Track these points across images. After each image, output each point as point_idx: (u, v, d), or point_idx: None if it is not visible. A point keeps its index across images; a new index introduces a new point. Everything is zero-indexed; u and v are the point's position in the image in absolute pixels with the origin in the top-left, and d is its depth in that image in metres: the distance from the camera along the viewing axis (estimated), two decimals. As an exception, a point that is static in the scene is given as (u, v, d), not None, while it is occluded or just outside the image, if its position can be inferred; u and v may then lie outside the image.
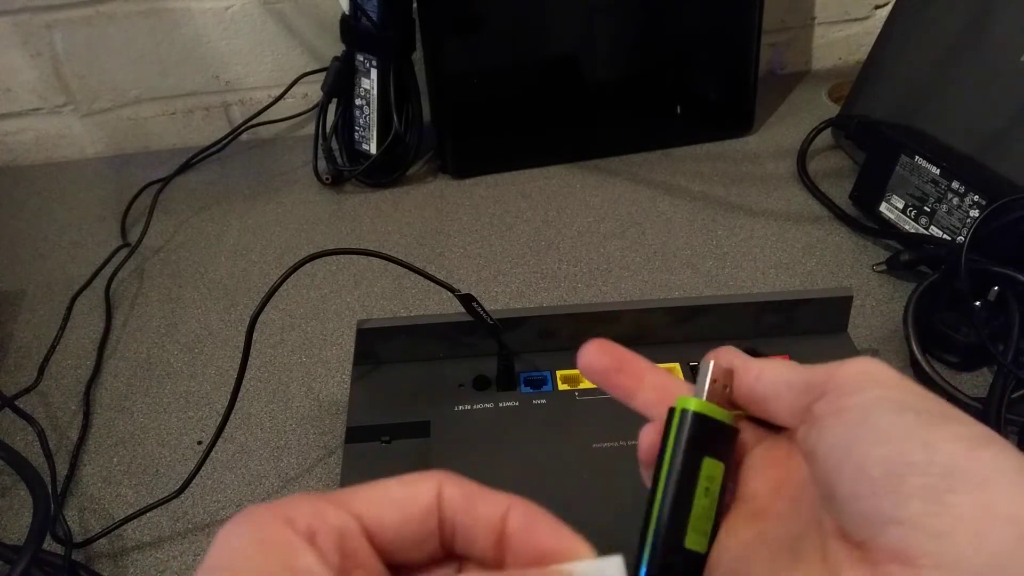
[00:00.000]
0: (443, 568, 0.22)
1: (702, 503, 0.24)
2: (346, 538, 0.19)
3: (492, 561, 0.21)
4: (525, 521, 0.21)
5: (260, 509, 0.19)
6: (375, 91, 0.67)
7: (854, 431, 0.20)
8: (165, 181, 0.72)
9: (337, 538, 0.19)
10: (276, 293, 0.42)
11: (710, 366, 0.25)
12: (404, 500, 0.20)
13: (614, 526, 0.38)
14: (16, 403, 0.50)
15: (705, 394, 0.25)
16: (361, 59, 0.66)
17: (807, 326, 0.47)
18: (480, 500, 0.21)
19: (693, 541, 0.24)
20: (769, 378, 0.24)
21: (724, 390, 0.25)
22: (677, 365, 0.46)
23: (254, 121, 0.76)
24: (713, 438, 0.24)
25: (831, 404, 0.21)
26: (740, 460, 0.26)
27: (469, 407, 0.44)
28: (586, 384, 0.45)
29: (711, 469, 0.24)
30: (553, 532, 0.21)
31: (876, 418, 0.20)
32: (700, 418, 0.24)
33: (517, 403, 0.44)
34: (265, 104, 0.75)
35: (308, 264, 0.43)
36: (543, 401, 0.44)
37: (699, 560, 0.24)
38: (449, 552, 0.21)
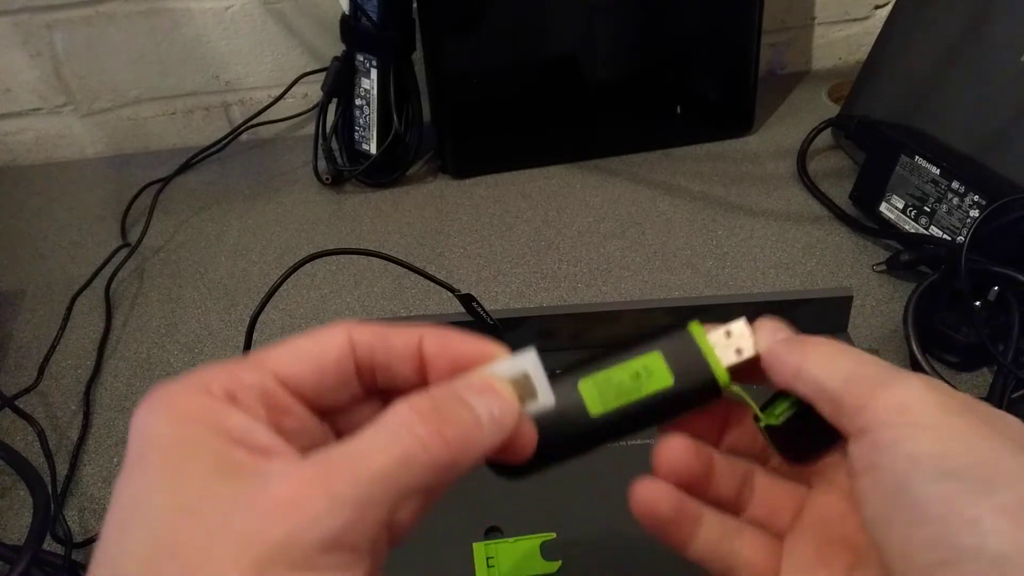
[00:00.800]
0: (369, 405, 0.23)
1: (622, 377, 0.24)
2: (267, 393, 0.20)
3: (416, 387, 0.22)
4: (440, 342, 0.22)
5: (170, 385, 0.19)
6: (375, 91, 0.67)
7: (894, 501, 0.19)
8: (165, 181, 0.72)
9: (258, 394, 0.19)
10: (276, 293, 0.42)
11: (740, 322, 0.25)
12: (316, 352, 0.21)
13: (614, 526, 0.39)
14: (16, 403, 0.50)
15: (713, 334, 0.24)
16: (361, 59, 0.66)
17: (807, 326, 0.46)
18: (393, 336, 0.22)
19: (589, 394, 0.24)
20: (807, 378, 0.23)
21: (736, 354, 0.24)
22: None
23: (254, 121, 0.76)
24: (682, 360, 0.24)
25: (866, 455, 0.20)
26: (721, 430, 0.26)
27: (469, 407, 0.44)
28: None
29: (654, 363, 0.24)
30: (467, 342, 0.22)
31: (916, 490, 0.19)
32: (684, 337, 0.24)
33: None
34: (265, 104, 0.75)
35: (308, 264, 0.43)
36: (543, 401, 0.44)
37: (582, 412, 0.24)
38: (371, 390, 0.22)
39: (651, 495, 0.24)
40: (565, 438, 0.24)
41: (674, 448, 0.25)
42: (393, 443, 0.18)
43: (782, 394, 0.25)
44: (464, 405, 0.20)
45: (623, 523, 0.39)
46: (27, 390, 0.52)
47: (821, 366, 0.22)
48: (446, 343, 0.22)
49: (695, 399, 0.25)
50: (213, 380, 0.19)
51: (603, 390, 0.24)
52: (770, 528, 0.25)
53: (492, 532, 0.38)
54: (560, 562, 0.37)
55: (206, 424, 0.18)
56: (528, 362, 0.22)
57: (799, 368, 0.23)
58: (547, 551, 0.37)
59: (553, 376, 0.23)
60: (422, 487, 0.18)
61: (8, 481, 0.47)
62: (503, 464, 0.23)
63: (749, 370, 0.25)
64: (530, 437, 0.22)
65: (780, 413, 0.24)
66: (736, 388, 0.25)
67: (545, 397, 0.22)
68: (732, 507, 0.26)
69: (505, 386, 0.21)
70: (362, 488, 0.17)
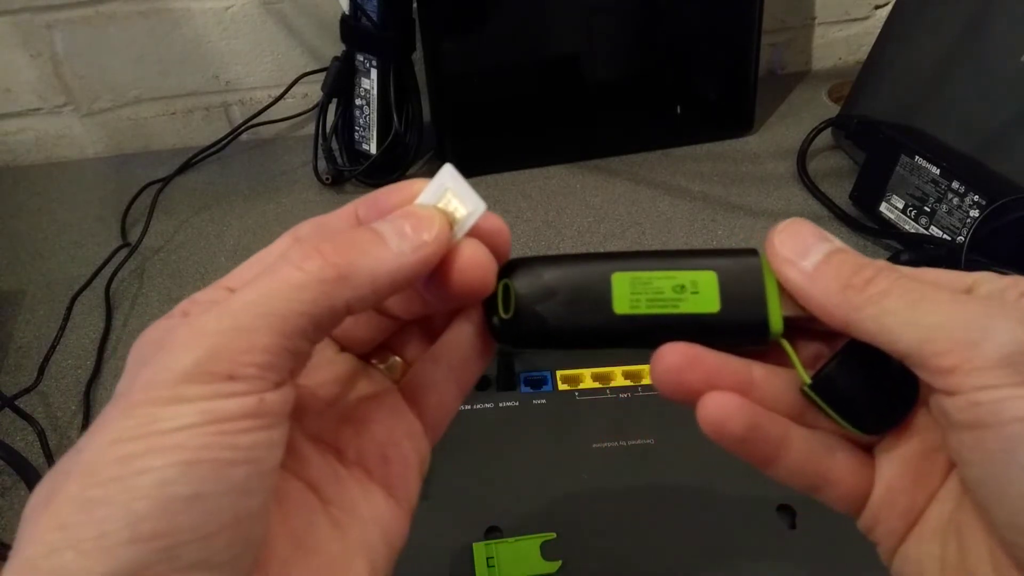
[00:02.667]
0: None
1: (663, 286, 0.21)
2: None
3: None
4: (369, 203, 0.22)
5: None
6: (375, 91, 0.67)
7: (1005, 468, 0.17)
8: (165, 181, 0.72)
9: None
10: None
11: (828, 248, 0.21)
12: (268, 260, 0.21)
13: (615, 526, 0.39)
14: (16, 403, 0.50)
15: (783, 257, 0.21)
16: (361, 59, 0.66)
17: (807, 326, 0.47)
18: (331, 219, 0.22)
19: (620, 289, 0.22)
20: (863, 334, 0.19)
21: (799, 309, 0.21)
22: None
23: (254, 121, 0.76)
24: (739, 289, 0.21)
25: (964, 411, 0.18)
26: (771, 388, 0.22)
27: (469, 407, 0.44)
28: (587, 384, 0.45)
29: (704, 283, 0.21)
30: (393, 192, 0.22)
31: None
32: (750, 265, 0.22)
33: (517, 403, 0.44)
34: (265, 104, 0.75)
35: (308, 264, 0.43)
36: (543, 401, 0.44)
37: (604, 306, 0.22)
38: None
39: (720, 411, 0.20)
40: (576, 325, 0.22)
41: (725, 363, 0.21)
42: (267, 273, 0.18)
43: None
44: (363, 231, 0.19)
45: (623, 523, 0.39)
46: (27, 390, 0.51)
47: (883, 322, 0.19)
48: (374, 201, 0.22)
49: (736, 338, 0.22)
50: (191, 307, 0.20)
51: (637, 291, 0.21)
52: (854, 440, 0.22)
53: (492, 532, 0.38)
54: (560, 562, 0.37)
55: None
56: (445, 178, 0.21)
57: (847, 323, 0.20)
58: (547, 551, 0.37)
59: (591, 257, 0.22)
60: (308, 309, 0.18)
61: (8, 481, 0.47)
62: (499, 329, 0.22)
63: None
64: (473, 259, 0.20)
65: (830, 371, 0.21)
66: (786, 344, 0.21)
67: (472, 204, 0.21)
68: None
69: (424, 208, 0.20)
70: (233, 319, 0.17)
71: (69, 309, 0.58)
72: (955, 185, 0.54)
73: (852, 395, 0.21)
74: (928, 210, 0.56)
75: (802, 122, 0.74)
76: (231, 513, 0.16)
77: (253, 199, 0.70)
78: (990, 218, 0.49)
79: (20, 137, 0.77)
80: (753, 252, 0.22)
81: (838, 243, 0.21)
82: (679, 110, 0.73)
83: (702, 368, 0.21)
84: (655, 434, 0.43)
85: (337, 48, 0.67)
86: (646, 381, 0.45)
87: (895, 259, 0.56)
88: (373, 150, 0.69)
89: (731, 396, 0.20)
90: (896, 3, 0.66)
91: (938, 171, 0.55)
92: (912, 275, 0.20)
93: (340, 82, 0.67)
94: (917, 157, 0.56)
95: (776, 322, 0.21)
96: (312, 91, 0.76)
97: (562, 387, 0.45)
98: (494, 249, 0.21)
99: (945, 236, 0.55)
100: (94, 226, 0.68)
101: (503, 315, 0.22)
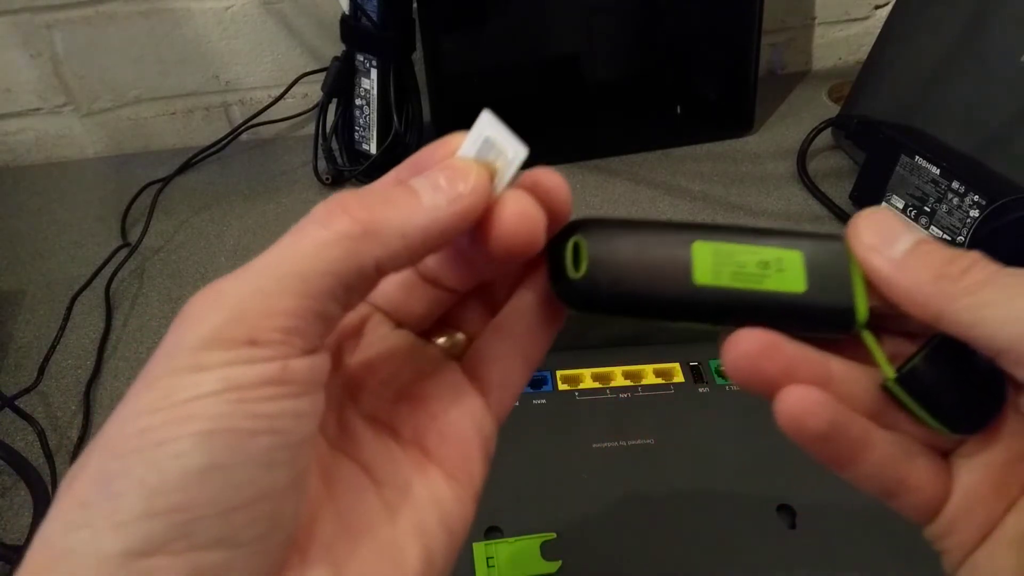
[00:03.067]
0: None
1: (747, 260, 0.20)
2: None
3: None
4: (410, 164, 0.20)
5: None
6: (375, 91, 0.67)
7: None
8: (165, 181, 0.72)
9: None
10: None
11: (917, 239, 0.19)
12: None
13: (615, 526, 0.39)
14: (16, 403, 0.50)
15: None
16: (361, 59, 0.66)
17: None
18: (372, 187, 0.20)
19: (701, 259, 0.20)
20: (953, 328, 0.18)
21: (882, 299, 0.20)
22: (677, 365, 0.46)
23: (254, 121, 0.76)
24: (825, 273, 0.20)
25: None
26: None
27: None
28: (587, 384, 0.45)
29: (790, 261, 0.20)
30: (432, 148, 0.20)
31: None
32: (837, 250, 0.20)
33: (517, 403, 0.44)
34: (265, 104, 0.75)
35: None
36: (543, 401, 0.44)
37: (684, 275, 0.20)
38: None
39: (801, 406, 0.19)
40: (652, 291, 0.20)
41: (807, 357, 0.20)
42: (291, 233, 0.17)
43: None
44: (395, 187, 0.18)
45: (623, 523, 0.39)
46: (27, 390, 0.51)
47: (980, 314, 0.18)
48: (414, 162, 0.20)
49: (818, 324, 0.20)
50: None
51: (719, 263, 0.20)
52: (934, 445, 0.21)
53: (492, 532, 0.38)
54: (560, 562, 0.37)
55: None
56: (484, 126, 0.19)
57: (939, 314, 0.18)
58: (547, 551, 0.37)
59: (668, 223, 0.21)
60: (334, 268, 0.17)
61: (8, 481, 0.47)
62: (568, 290, 0.20)
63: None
64: (517, 210, 0.18)
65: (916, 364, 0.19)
66: (868, 335, 0.20)
67: (513, 150, 0.19)
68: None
69: (461, 160, 0.19)
70: (254, 281, 0.16)
71: (69, 309, 0.58)
72: (955, 185, 0.54)
73: (940, 391, 0.19)
74: (928, 210, 0.56)
75: (802, 122, 0.74)
76: (253, 487, 0.15)
77: (253, 199, 0.70)
78: (990, 218, 0.49)
79: (20, 137, 0.77)
80: (837, 237, 0.21)
81: (925, 233, 0.20)
82: (679, 110, 0.73)
83: (781, 357, 0.19)
84: (655, 434, 0.43)
85: (337, 48, 0.67)
86: (646, 381, 0.45)
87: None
88: (373, 150, 0.69)
89: (813, 390, 0.19)
90: (896, 3, 0.66)
91: (938, 171, 0.55)
92: (1008, 271, 0.19)
93: (340, 82, 0.67)
94: (917, 157, 0.56)
95: (862, 310, 0.20)
96: (312, 91, 0.76)
97: (562, 387, 0.45)
98: (551, 206, 0.20)
99: (945, 236, 0.55)
100: (94, 226, 0.68)
101: (573, 274, 0.20)
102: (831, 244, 0.20)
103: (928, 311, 0.19)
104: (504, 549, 0.37)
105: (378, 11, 0.64)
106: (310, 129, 0.74)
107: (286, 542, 0.16)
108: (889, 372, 0.20)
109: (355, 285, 0.17)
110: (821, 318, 0.20)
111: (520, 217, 0.18)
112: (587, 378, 0.45)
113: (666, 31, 0.70)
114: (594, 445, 0.42)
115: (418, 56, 0.67)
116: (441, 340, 0.23)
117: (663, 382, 0.45)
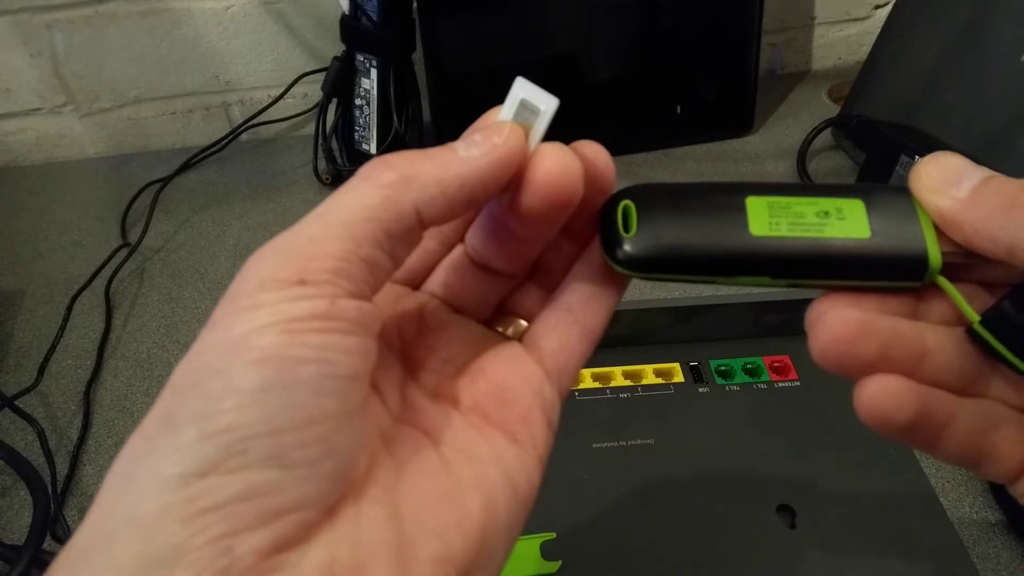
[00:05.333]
0: None
1: (805, 210, 0.19)
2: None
3: None
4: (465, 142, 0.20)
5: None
6: (375, 91, 0.67)
7: None
8: (165, 181, 0.72)
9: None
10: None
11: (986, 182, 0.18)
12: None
13: (615, 526, 0.39)
14: (16, 403, 0.50)
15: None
16: (361, 59, 0.66)
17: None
18: None
19: (757, 212, 0.19)
20: None
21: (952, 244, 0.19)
22: (677, 365, 0.46)
23: (254, 121, 0.76)
24: (890, 220, 0.19)
25: None
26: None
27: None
28: (587, 384, 0.45)
29: (851, 210, 0.19)
30: (473, 125, 0.20)
31: None
32: (900, 198, 0.19)
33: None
34: (265, 104, 0.75)
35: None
36: (543, 401, 0.44)
37: (740, 227, 0.19)
38: None
39: (886, 399, 0.18)
40: (707, 246, 0.19)
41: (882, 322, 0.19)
42: (341, 189, 0.18)
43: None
44: (435, 148, 0.19)
45: (623, 523, 0.39)
46: (27, 390, 0.52)
47: None
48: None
49: (888, 269, 0.19)
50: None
51: (776, 215, 0.19)
52: (1015, 404, 0.20)
53: (492, 532, 0.38)
54: (560, 562, 0.37)
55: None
56: (518, 91, 0.20)
57: (1014, 246, 0.18)
58: (547, 551, 0.37)
59: (720, 185, 0.20)
60: (376, 213, 0.18)
61: (8, 481, 0.47)
62: (620, 251, 0.20)
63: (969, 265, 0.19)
64: (552, 159, 0.19)
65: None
66: (944, 281, 0.19)
67: (544, 103, 0.19)
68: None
69: (496, 122, 0.20)
70: (306, 229, 0.18)
71: (69, 309, 0.58)
72: (955, 185, 0.54)
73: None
74: (928, 210, 0.56)
75: (802, 122, 0.74)
76: (303, 411, 0.16)
77: (253, 199, 0.70)
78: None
79: (20, 137, 0.77)
80: (898, 188, 0.20)
81: (990, 171, 0.19)
82: (679, 110, 0.73)
83: (877, 337, 0.18)
84: (655, 434, 0.43)
85: (337, 48, 0.67)
86: (646, 381, 0.45)
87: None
88: (373, 150, 0.69)
89: (899, 381, 0.18)
90: (896, 3, 0.66)
91: (938, 171, 0.55)
92: None
93: (340, 82, 0.67)
94: (917, 157, 0.56)
95: (935, 255, 0.19)
96: (312, 91, 0.76)
97: (562, 387, 0.45)
98: (593, 174, 0.20)
99: (945, 236, 0.55)
100: (94, 226, 0.68)
101: (624, 236, 0.20)
102: (893, 192, 0.19)
103: (1001, 245, 0.18)
104: (504, 549, 0.37)
105: (378, 11, 0.64)
106: (310, 129, 0.74)
107: (338, 473, 0.16)
108: (973, 316, 0.19)
109: (396, 232, 0.18)
110: (890, 265, 0.19)
111: (556, 165, 0.19)
112: (587, 378, 0.45)
113: (666, 31, 0.70)
114: (594, 445, 0.42)
115: (418, 56, 0.67)
116: (501, 328, 0.23)
117: (663, 382, 0.45)
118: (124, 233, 0.67)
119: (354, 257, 0.17)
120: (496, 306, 0.24)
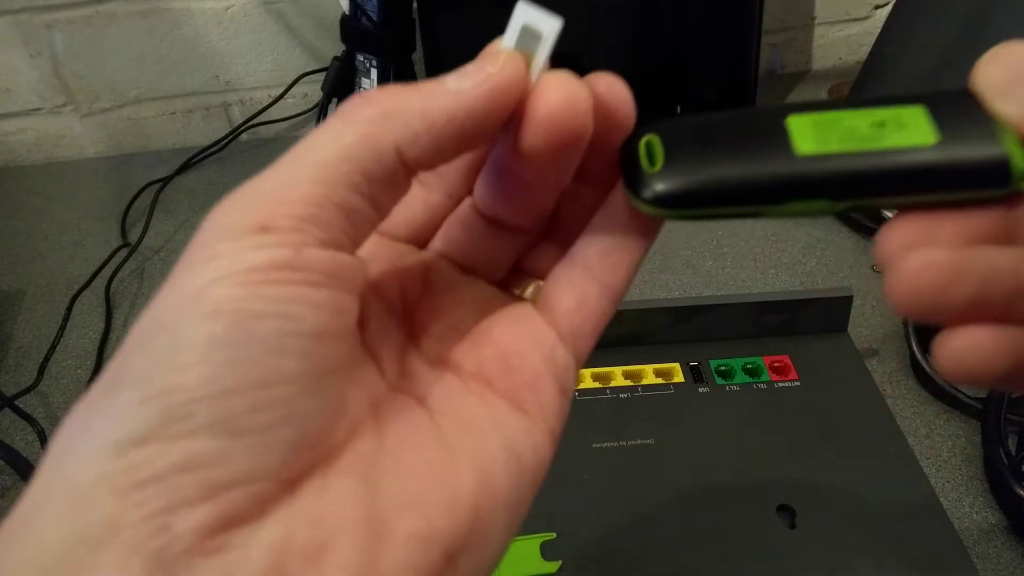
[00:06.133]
0: None
1: (857, 123, 0.17)
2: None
3: None
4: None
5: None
6: (375, 91, 0.67)
7: None
8: (165, 181, 0.72)
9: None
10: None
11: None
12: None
13: (615, 526, 0.39)
14: (16, 403, 0.50)
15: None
16: (361, 59, 0.66)
17: (807, 326, 0.47)
18: None
19: (800, 131, 0.17)
20: None
21: None
22: (677, 365, 0.46)
23: (254, 121, 0.76)
24: (959, 124, 0.17)
25: None
26: None
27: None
28: (587, 384, 0.45)
29: (911, 117, 0.17)
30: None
31: None
32: (966, 100, 0.17)
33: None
34: (265, 104, 0.75)
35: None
36: (543, 401, 0.44)
37: (782, 148, 0.17)
38: None
39: (970, 360, 0.16)
40: (746, 172, 0.17)
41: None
42: (315, 130, 0.16)
43: None
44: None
45: (623, 523, 0.39)
46: (27, 390, 0.51)
47: None
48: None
49: (963, 175, 0.17)
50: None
51: (823, 130, 0.17)
52: None
53: (492, 532, 0.38)
54: (560, 562, 0.37)
55: None
56: (519, 16, 0.17)
57: None
58: (547, 551, 0.37)
59: (754, 108, 0.18)
60: (352, 152, 0.16)
61: (8, 481, 0.47)
62: (645, 188, 0.18)
63: None
64: (555, 85, 0.17)
65: None
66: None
67: (547, 26, 0.17)
68: None
69: (491, 51, 0.17)
70: (274, 172, 0.16)
71: (69, 309, 0.58)
72: (955, 185, 0.54)
73: None
74: (928, 210, 0.56)
75: (802, 122, 0.74)
76: (255, 371, 0.14)
77: (253, 199, 0.70)
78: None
79: (20, 137, 0.77)
80: (960, 91, 0.17)
81: None
82: (679, 110, 0.73)
83: (971, 279, 0.16)
84: (655, 434, 0.43)
85: (337, 48, 0.67)
86: (646, 381, 0.45)
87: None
88: (373, 150, 0.69)
89: (988, 335, 0.16)
90: (896, 3, 0.66)
91: (938, 171, 0.55)
92: None
93: (340, 82, 0.67)
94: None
95: (1018, 157, 0.16)
96: (312, 91, 0.76)
97: (562, 387, 0.45)
98: (607, 109, 0.18)
99: (945, 236, 0.55)
100: (94, 226, 0.68)
101: (649, 169, 0.18)
102: (957, 95, 0.17)
103: None
104: (504, 549, 0.37)
105: (378, 11, 0.64)
106: (310, 129, 0.73)
107: (300, 443, 0.15)
108: None
109: (375, 174, 0.16)
110: (966, 171, 0.16)
111: (559, 96, 0.17)
112: (587, 378, 0.45)
113: (666, 31, 0.70)
114: (594, 445, 0.42)
115: (418, 56, 0.67)
116: (519, 290, 0.21)
117: (663, 382, 0.45)
118: (124, 233, 0.67)
119: (326, 202, 0.15)
120: (511, 266, 0.21)
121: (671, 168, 0.18)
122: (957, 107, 0.17)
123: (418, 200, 0.21)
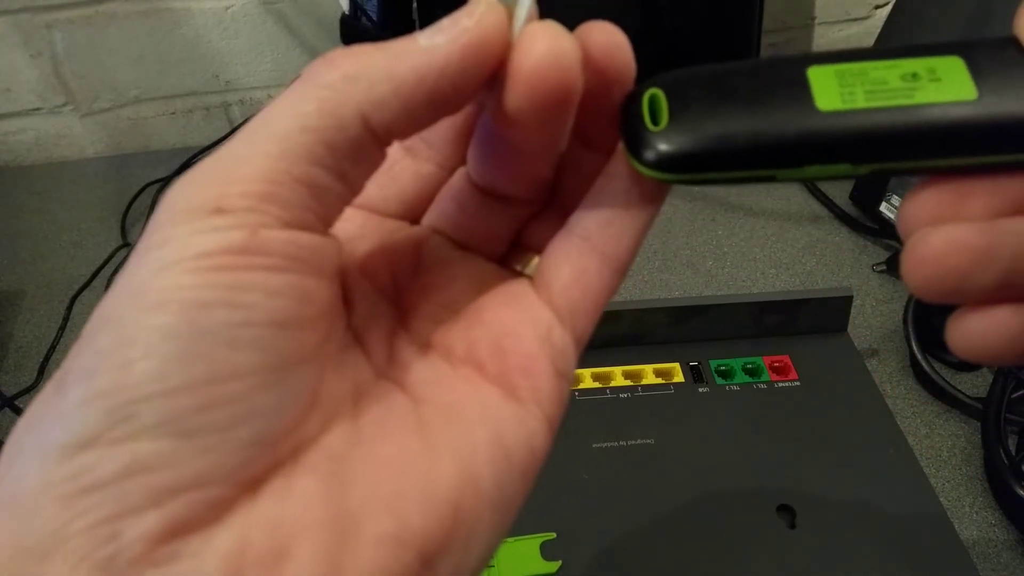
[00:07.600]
0: None
1: (886, 75, 0.15)
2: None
3: None
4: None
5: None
6: (375, 91, 0.67)
7: None
8: (165, 181, 0.72)
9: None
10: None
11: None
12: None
13: (615, 526, 0.39)
14: (16, 403, 0.50)
15: None
16: (361, 59, 0.66)
17: (807, 326, 0.47)
18: None
19: (822, 84, 0.15)
20: None
21: None
22: (677, 365, 0.46)
23: (254, 121, 0.76)
24: (1001, 75, 0.15)
25: None
26: None
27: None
28: (587, 384, 0.45)
29: (947, 69, 0.15)
30: None
31: None
32: (1007, 48, 0.15)
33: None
34: (265, 104, 0.75)
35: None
36: (543, 401, 0.44)
37: (803, 103, 0.15)
38: None
39: (987, 345, 0.16)
40: (761, 130, 0.15)
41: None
42: (277, 98, 0.15)
43: None
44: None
45: (623, 523, 0.39)
46: (27, 390, 0.51)
47: None
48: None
49: (1007, 136, 0.15)
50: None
51: (847, 83, 0.15)
52: None
53: (492, 532, 0.38)
54: (560, 562, 0.37)
55: None
56: None
57: None
58: (547, 551, 0.37)
59: (769, 59, 0.17)
60: (312, 122, 0.14)
61: (8, 481, 0.47)
62: (649, 149, 0.16)
63: None
64: (540, 37, 0.15)
65: None
66: None
67: None
68: None
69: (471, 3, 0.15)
70: (229, 148, 0.15)
71: (69, 309, 0.58)
72: (955, 185, 0.54)
73: None
74: (928, 210, 0.56)
75: (802, 122, 0.74)
76: (204, 365, 0.13)
77: (253, 199, 0.70)
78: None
79: (20, 137, 0.77)
80: (1007, 39, 0.16)
81: None
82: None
83: (998, 264, 0.15)
84: (655, 434, 0.43)
85: (337, 48, 0.67)
86: (646, 381, 0.45)
87: (895, 259, 0.56)
88: (373, 150, 0.69)
89: (1008, 318, 0.15)
90: (896, 3, 0.66)
91: (938, 171, 0.55)
92: None
93: (340, 82, 0.67)
94: (917, 157, 0.56)
95: None
96: (312, 91, 0.76)
97: (562, 387, 0.45)
98: (605, 61, 0.16)
99: (945, 236, 0.55)
100: (94, 226, 0.68)
101: (652, 127, 0.16)
102: (997, 43, 0.15)
103: None
104: (504, 549, 0.37)
105: (378, 11, 0.64)
106: (310, 129, 0.74)
107: (260, 441, 0.14)
108: None
109: (339, 145, 0.14)
110: (1010, 132, 0.15)
111: (543, 48, 0.15)
112: (587, 378, 0.45)
113: (666, 31, 0.70)
114: (594, 445, 0.42)
115: (418, 56, 0.67)
116: (520, 266, 0.20)
117: (663, 382, 0.45)
118: (124, 233, 0.67)
119: (286, 178, 0.14)
120: (511, 240, 0.20)
121: (676, 126, 0.16)
122: (999, 58, 0.15)
123: (408, 172, 0.19)
